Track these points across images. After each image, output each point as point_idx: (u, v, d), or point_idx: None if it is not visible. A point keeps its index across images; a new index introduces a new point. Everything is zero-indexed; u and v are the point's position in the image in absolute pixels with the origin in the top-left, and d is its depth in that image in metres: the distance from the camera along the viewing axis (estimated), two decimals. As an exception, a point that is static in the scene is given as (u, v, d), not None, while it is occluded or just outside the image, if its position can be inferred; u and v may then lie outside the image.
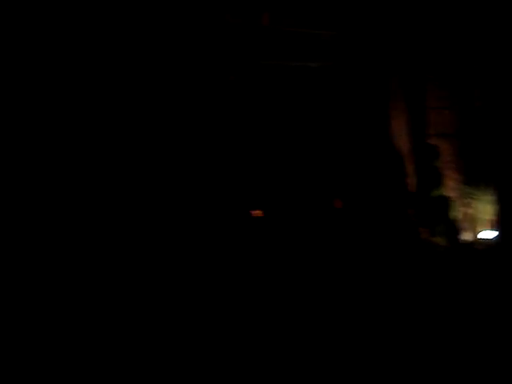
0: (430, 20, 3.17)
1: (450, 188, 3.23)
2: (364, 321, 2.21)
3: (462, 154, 3.27)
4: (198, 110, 2.84)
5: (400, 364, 1.78)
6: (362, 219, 3.07)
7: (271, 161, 3.05)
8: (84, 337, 1.93)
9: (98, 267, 2.33)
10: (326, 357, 1.85)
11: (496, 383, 1.65)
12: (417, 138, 3.23)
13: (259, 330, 2.09)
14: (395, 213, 3.11)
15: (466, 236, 3.20)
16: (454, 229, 3.16)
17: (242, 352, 1.86)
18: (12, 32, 2.31)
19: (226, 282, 2.52)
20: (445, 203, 3.17)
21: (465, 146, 3.28)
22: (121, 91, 2.62)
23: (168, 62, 2.75)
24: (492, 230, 3.13)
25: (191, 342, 1.93)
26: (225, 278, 2.54)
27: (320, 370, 1.76)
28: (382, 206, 3.11)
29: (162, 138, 2.71)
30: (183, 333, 1.99)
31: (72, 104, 2.44)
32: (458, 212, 3.20)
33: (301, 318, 2.25)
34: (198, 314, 2.20)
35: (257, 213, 2.98)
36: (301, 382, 1.69)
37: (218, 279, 2.51)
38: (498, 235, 3.04)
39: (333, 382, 1.71)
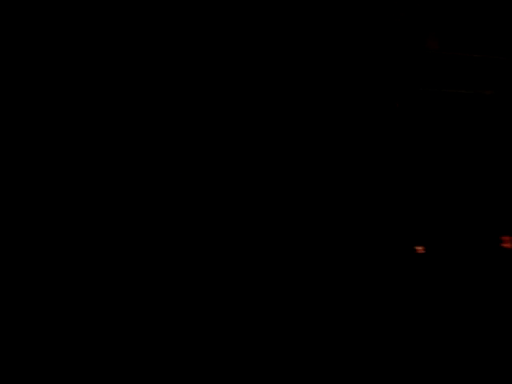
0: None
1: None
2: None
3: None
4: (362, 136, 2.71)
5: None
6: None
7: (436, 193, 2.81)
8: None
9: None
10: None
11: None
12: None
13: None
14: None
15: None
16: None
17: None
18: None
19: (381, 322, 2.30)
20: None
21: None
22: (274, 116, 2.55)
23: (332, 87, 2.65)
24: None
25: None
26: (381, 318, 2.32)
27: None
28: None
29: (323, 165, 2.60)
30: None
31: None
32: None
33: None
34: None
35: (418, 248, 2.74)
36: None
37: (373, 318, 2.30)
38: None
39: None
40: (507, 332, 2.42)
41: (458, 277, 2.77)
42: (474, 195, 2.94)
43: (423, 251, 2.87)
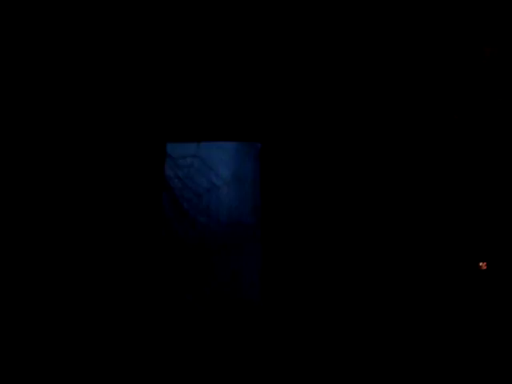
0: None
1: None
2: None
3: None
4: (420, 151, 2.51)
5: None
6: None
7: (500, 208, 2.50)
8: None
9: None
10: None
11: None
12: None
13: None
14: None
15: None
16: None
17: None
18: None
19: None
20: None
21: None
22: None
23: (382, 98, 2.49)
24: None
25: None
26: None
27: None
28: None
29: (377, 182, 2.47)
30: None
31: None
32: None
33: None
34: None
35: (480, 265, 2.48)
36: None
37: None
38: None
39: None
40: None
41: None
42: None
43: (486, 267, 2.61)
